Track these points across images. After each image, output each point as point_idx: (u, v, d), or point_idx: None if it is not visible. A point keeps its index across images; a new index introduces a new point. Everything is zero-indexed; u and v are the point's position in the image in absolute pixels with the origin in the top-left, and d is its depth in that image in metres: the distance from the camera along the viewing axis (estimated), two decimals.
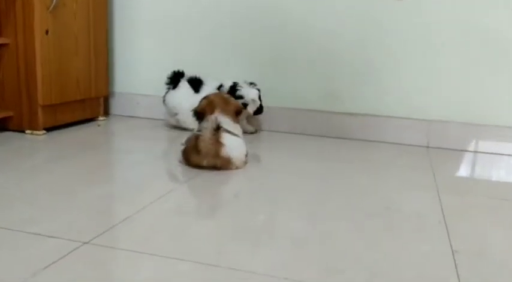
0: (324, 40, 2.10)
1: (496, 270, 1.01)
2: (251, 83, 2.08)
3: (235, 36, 2.21)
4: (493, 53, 1.96)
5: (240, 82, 2.07)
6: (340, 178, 1.60)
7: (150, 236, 1.11)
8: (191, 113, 1.69)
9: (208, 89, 2.06)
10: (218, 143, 1.56)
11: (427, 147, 2.05)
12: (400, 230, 1.20)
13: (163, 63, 2.27)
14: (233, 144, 1.59)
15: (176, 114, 2.14)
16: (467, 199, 1.45)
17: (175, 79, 2.15)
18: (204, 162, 1.58)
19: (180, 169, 1.62)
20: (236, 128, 1.66)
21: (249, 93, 2.04)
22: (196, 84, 2.12)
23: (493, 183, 1.67)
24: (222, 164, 1.58)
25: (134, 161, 1.70)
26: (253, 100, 2.05)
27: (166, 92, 2.16)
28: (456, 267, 1.01)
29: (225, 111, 1.64)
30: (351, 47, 2.08)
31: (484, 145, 2.01)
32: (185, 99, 2.07)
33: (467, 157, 1.95)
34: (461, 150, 2.02)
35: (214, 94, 1.75)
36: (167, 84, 2.16)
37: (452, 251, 1.09)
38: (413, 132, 2.05)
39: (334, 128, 2.14)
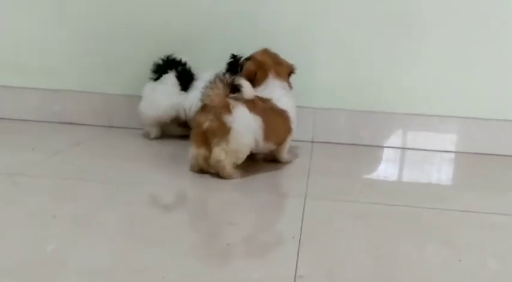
0: None
1: None
2: None
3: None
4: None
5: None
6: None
7: None
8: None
9: (200, 86, 1.70)
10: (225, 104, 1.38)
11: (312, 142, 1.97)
12: (242, 251, 1.07)
13: None
14: (243, 117, 1.40)
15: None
16: (336, 206, 1.35)
17: (162, 68, 1.84)
18: (205, 124, 1.39)
19: None
20: (290, 99, 1.53)
21: None
22: (186, 78, 1.83)
23: (377, 184, 1.60)
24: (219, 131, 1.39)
25: None
26: None
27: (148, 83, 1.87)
28: None
29: (280, 75, 1.53)
30: None
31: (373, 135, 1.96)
32: (164, 96, 1.81)
33: (352, 151, 1.89)
34: (345, 144, 1.95)
35: (262, 52, 1.57)
36: (153, 71, 1.85)
37: (295, 277, 0.97)
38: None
39: None
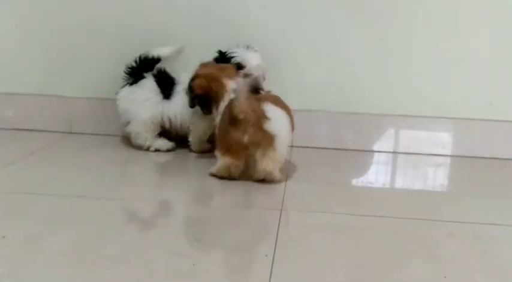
0: None
1: None
2: (248, 47, 1.76)
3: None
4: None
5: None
6: None
7: None
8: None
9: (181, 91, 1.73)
10: (260, 111, 1.41)
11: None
12: (210, 271, 1.04)
13: None
14: (278, 117, 1.44)
15: (128, 123, 1.80)
16: (314, 218, 1.33)
17: (138, 71, 1.78)
18: (245, 138, 1.40)
19: None
20: None
21: (249, 59, 1.72)
22: (166, 84, 1.77)
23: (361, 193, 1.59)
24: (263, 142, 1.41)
25: None
26: (259, 66, 1.72)
27: (122, 87, 1.81)
28: None
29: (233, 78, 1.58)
30: None
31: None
32: (145, 104, 1.75)
33: (334, 156, 1.88)
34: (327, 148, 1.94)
35: (202, 67, 1.62)
36: (126, 73, 1.79)
37: None
38: None
39: None
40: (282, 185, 1.54)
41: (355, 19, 1.89)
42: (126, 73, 1.80)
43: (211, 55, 1.78)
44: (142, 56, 1.79)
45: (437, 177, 1.80)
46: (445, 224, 1.32)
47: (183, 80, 1.75)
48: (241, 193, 1.49)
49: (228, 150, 1.46)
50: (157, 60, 1.79)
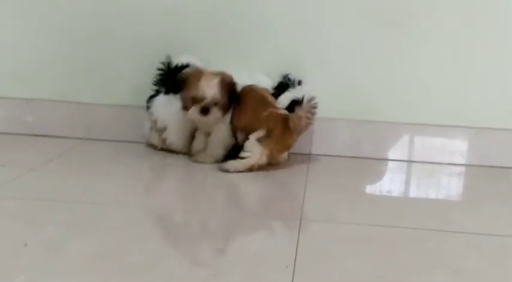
0: None
1: None
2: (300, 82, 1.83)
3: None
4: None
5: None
6: None
7: None
8: None
9: None
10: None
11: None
12: None
13: None
14: None
15: (164, 129, 1.82)
16: (335, 229, 1.34)
17: (170, 79, 1.77)
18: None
19: None
20: None
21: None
22: None
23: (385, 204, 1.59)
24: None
25: None
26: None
27: (153, 96, 1.82)
28: None
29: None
30: None
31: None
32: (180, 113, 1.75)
33: (353, 164, 1.88)
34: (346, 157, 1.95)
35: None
36: (156, 84, 1.81)
37: None
38: None
39: None
40: (302, 193, 1.54)
41: (372, 26, 1.89)
42: (157, 83, 1.81)
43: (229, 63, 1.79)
44: (172, 66, 1.79)
45: (454, 187, 1.81)
46: (465, 235, 1.33)
47: None
48: (260, 201, 1.51)
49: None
50: (186, 67, 1.79)
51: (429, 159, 1.94)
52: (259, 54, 1.93)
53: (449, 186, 1.81)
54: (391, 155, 1.96)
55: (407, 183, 1.82)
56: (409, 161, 1.95)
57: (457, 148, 1.94)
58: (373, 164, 1.91)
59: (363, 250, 1.22)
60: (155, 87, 1.82)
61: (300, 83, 1.82)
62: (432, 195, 1.72)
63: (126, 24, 1.98)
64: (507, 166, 1.90)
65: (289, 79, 1.81)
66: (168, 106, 1.78)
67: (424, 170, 1.89)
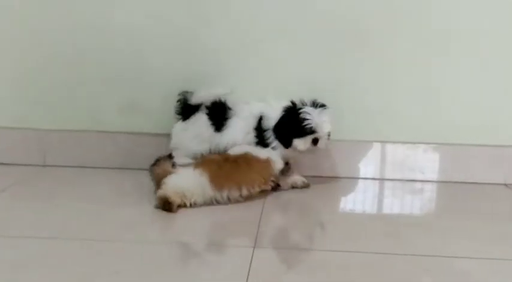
0: None
1: None
2: (319, 105, 1.75)
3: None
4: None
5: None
6: None
7: None
8: None
9: (239, 124, 1.77)
10: None
11: None
12: None
13: None
14: None
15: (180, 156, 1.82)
16: (289, 256, 1.33)
17: (189, 108, 1.83)
18: None
19: None
20: None
21: (322, 126, 1.72)
22: (218, 117, 1.80)
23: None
24: None
25: None
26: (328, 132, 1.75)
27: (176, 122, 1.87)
28: None
29: None
30: None
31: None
32: (196, 139, 1.79)
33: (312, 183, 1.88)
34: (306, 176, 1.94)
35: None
36: (178, 113, 1.85)
37: None
38: None
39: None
40: (257, 218, 1.54)
41: (336, 45, 1.92)
42: (177, 113, 1.85)
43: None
44: (187, 102, 1.82)
45: (412, 205, 1.82)
46: (420, 258, 1.32)
47: (241, 111, 1.79)
48: (212, 228, 1.53)
49: None
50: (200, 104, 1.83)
51: (391, 177, 1.95)
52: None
53: (408, 204, 1.81)
54: (353, 173, 1.95)
55: (365, 202, 1.82)
56: (370, 179, 1.95)
57: (418, 164, 1.94)
58: (334, 183, 1.89)
59: (317, 279, 1.21)
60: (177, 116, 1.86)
61: (317, 105, 1.75)
62: (389, 214, 1.72)
63: (87, 49, 1.98)
64: (468, 181, 1.91)
65: (302, 103, 1.76)
66: (182, 133, 1.84)
67: (385, 188, 1.90)
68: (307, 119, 1.71)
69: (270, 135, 1.76)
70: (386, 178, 1.96)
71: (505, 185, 1.92)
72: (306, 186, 1.83)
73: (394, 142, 1.96)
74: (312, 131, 1.72)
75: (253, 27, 1.93)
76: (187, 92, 1.83)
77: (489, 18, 1.87)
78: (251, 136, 1.78)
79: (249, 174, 1.67)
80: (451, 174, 1.94)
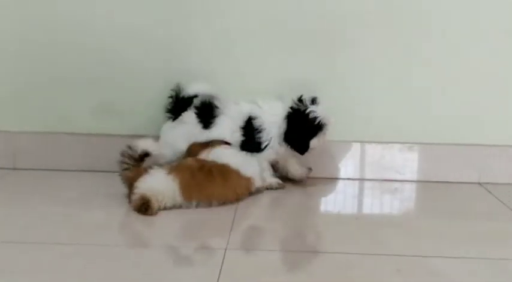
0: None
1: None
2: (314, 99, 1.77)
3: None
4: None
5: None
6: None
7: None
8: None
9: (226, 122, 1.77)
10: None
11: None
12: None
13: None
14: None
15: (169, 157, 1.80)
16: (262, 257, 1.32)
17: (177, 108, 1.83)
18: None
19: None
20: None
21: (328, 117, 1.76)
22: (206, 115, 1.80)
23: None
24: None
25: None
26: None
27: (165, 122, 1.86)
28: None
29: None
30: None
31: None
32: (184, 137, 1.78)
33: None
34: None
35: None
36: (167, 112, 1.85)
37: None
38: None
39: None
40: (231, 219, 1.53)
41: (310, 47, 1.91)
42: (167, 111, 1.84)
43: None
44: (180, 95, 1.82)
45: (389, 205, 1.82)
46: (393, 258, 1.32)
47: (229, 109, 1.80)
48: (183, 229, 1.52)
49: None
50: (194, 97, 1.82)
51: (370, 177, 1.96)
52: None
53: (385, 204, 1.82)
54: (329, 173, 1.95)
55: (340, 202, 1.82)
56: (347, 179, 1.95)
57: (394, 164, 1.94)
58: (312, 183, 1.89)
59: (287, 279, 1.20)
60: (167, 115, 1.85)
61: (314, 101, 1.77)
62: (366, 215, 1.72)
63: (57, 49, 1.95)
64: (443, 181, 1.93)
65: (300, 100, 1.76)
66: (171, 132, 1.83)
67: (364, 188, 1.91)
68: (317, 117, 1.73)
69: (261, 136, 1.77)
70: (365, 178, 1.96)
71: (479, 183, 1.92)
72: (281, 187, 1.82)
73: (370, 142, 1.95)
74: (323, 127, 1.74)
75: (231, 27, 1.93)
76: (179, 88, 1.83)
77: (467, 17, 1.88)
78: (238, 135, 1.79)
79: (222, 190, 1.64)
80: (426, 173, 1.94)
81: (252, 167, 1.74)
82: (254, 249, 1.39)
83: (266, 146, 1.78)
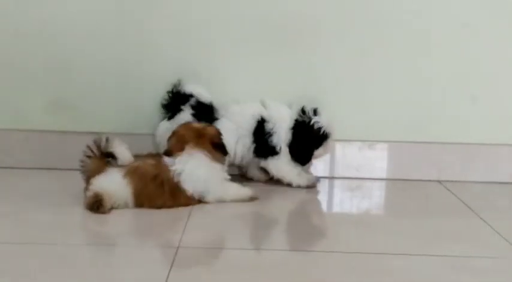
0: None
1: None
2: (316, 110, 1.78)
3: None
4: None
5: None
6: None
7: None
8: None
9: (228, 126, 1.72)
10: None
11: None
12: None
13: None
14: None
15: None
16: (213, 256, 1.31)
17: (173, 105, 1.77)
18: None
19: None
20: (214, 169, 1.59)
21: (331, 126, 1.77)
22: (204, 116, 1.74)
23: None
24: None
25: None
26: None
27: (161, 121, 1.82)
28: None
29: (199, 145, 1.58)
30: None
31: None
32: None
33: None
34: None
35: (184, 126, 1.63)
36: (163, 108, 1.80)
37: None
38: None
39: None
40: (186, 215, 1.51)
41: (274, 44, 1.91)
42: (162, 107, 1.81)
43: None
44: (175, 90, 1.79)
45: (352, 203, 1.81)
46: (349, 256, 1.31)
47: (232, 113, 1.76)
48: (137, 228, 1.50)
49: None
50: (190, 95, 1.78)
51: (340, 175, 1.95)
52: None
53: (345, 202, 1.82)
54: None
55: (306, 202, 1.80)
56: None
57: (353, 162, 1.94)
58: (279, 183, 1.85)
59: (246, 278, 1.18)
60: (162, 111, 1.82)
61: (316, 112, 1.77)
62: (328, 212, 1.72)
63: (10, 44, 1.91)
64: (402, 178, 1.93)
65: (303, 112, 1.77)
66: (167, 132, 1.72)
67: (328, 187, 1.90)
68: (321, 127, 1.74)
69: (273, 140, 1.75)
70: (334, 176, 1.96)
71: (439, 181, 1.93)
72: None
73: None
74: (328, 136, 1.77)
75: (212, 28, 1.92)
76: (179, 83, 1.80)
77: (422, 16, 1.90)
78: (247, 141, 1.75)
79: (171, 204, 1.59)
80: (385, 171, 1.95)
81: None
82: (207, 247, 1.37)
83: (280, 149, 1.76)
